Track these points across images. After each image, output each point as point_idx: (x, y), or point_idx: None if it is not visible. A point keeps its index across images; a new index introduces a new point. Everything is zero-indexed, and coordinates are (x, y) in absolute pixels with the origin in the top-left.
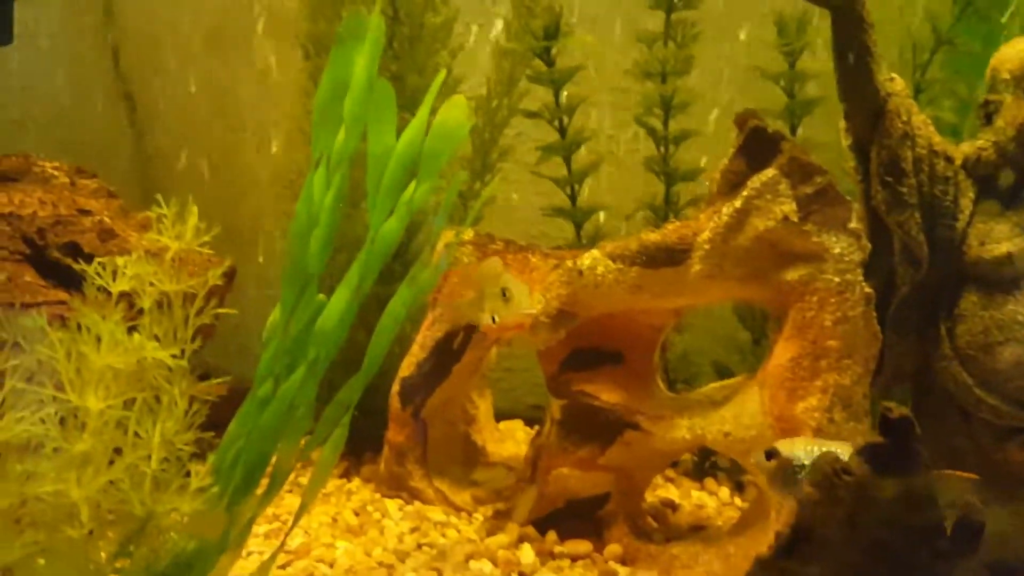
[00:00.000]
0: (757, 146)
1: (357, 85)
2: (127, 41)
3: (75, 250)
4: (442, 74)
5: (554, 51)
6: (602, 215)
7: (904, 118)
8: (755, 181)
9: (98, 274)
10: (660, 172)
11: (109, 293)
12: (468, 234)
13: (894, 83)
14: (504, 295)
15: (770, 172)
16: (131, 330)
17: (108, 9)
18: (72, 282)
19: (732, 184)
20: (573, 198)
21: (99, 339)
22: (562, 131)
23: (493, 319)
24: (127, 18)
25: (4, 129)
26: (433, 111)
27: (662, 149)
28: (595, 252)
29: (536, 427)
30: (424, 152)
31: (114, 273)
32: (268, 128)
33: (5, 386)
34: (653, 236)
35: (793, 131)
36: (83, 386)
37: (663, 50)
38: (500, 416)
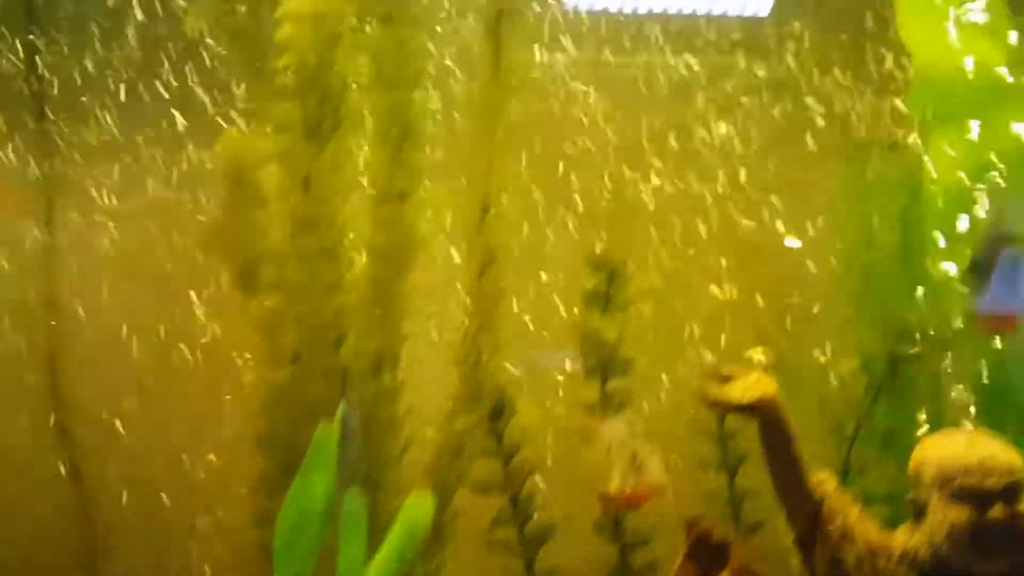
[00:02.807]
0: (706, 551)
1: (319, 510)
2: (78, 423)
3: None
4: None
5: (501, 426)
6: None
7: (839, 520)
8: None
9: None
10: (612, 535)
11: None
12: None
13: (826, 484)
14: (634, 461)
15: None
16: None
17: (53, 385)
18: None
19: None
20: (529, 565)
21: None
22: (514, 500)
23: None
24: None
25: None
26: None
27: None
28: None
29: None
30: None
31: None
32: (225, 491)
33: None
34: None
35: (731, 481)
36: None
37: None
38: None
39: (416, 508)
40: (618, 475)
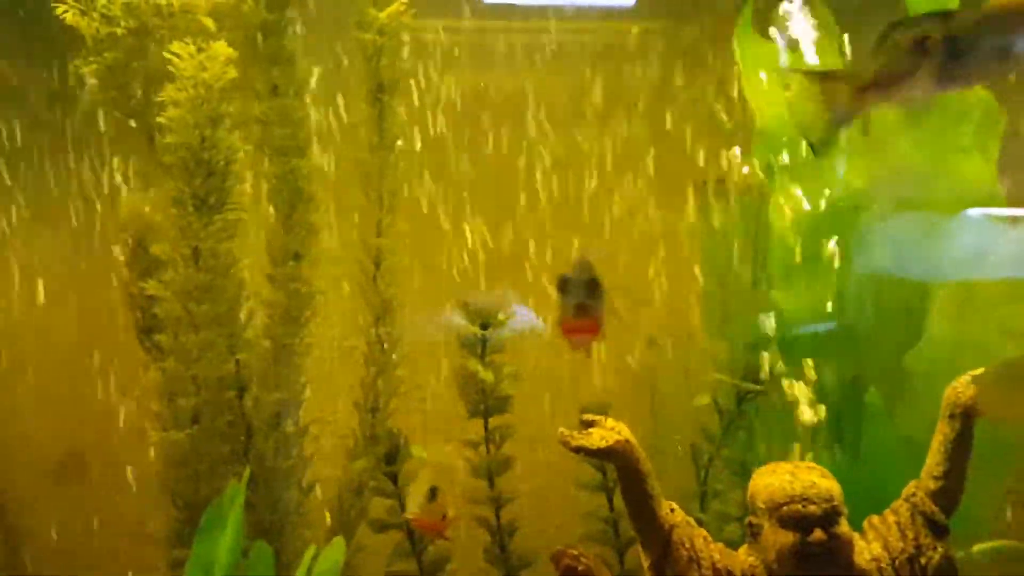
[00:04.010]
0: None
1: (224, 564)
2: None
3: None
4: None
5: (396, 468)
6: None
7: (687, 544)
8: None
9: None
10: (498, 559)
11: None
12: None
13: (675, 514)
14: (431, 494)
15: None
16: None
17: None
18: None
19: None
20: None
21: None
22: (410, 534)
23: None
24: None
25: None
26: None
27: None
28: None
29: None
30: None
31: None
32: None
33: None
34: None
35: (609, 501)
36: None
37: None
38: None
39: (330, 555)
40: (413, 502)
